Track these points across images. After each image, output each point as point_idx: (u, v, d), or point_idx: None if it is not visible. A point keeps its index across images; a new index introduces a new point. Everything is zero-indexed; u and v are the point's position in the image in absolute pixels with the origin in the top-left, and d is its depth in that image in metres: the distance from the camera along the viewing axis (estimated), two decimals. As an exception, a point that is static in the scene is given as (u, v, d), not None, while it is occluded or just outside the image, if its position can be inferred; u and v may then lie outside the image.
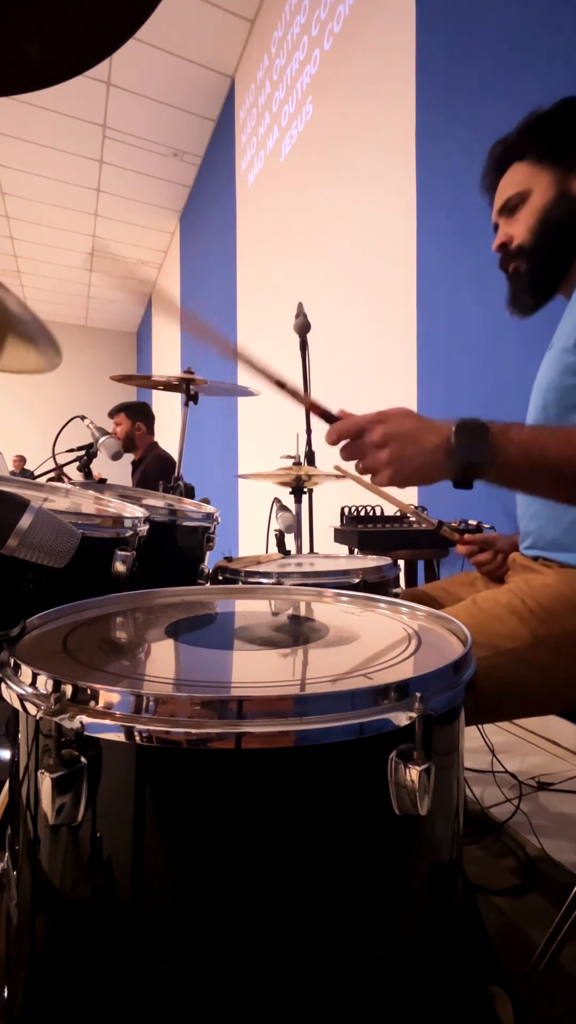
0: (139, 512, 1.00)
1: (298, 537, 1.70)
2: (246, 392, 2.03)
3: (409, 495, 2.33)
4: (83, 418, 1.91)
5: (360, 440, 0.69)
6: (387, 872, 0.45)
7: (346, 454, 0.71)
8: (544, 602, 0.83)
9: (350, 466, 0.76)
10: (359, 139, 2.91)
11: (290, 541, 1.53)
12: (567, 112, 0.94)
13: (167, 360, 7.58)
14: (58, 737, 0.41)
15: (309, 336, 2.03)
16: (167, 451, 3.25)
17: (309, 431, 2.07)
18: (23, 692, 0.46)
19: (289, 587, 0.96)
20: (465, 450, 0.66)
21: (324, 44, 3.23)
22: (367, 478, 0.73)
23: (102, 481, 2.35)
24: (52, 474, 2.04)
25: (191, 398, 1.98)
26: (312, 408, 0.75)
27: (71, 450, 2.00)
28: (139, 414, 3.24)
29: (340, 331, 3.08)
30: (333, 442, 0.71)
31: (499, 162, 1.00)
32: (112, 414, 3.23)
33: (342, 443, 0.71)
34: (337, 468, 0.98)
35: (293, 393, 0.75)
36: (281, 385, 0.74)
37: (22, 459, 7.77)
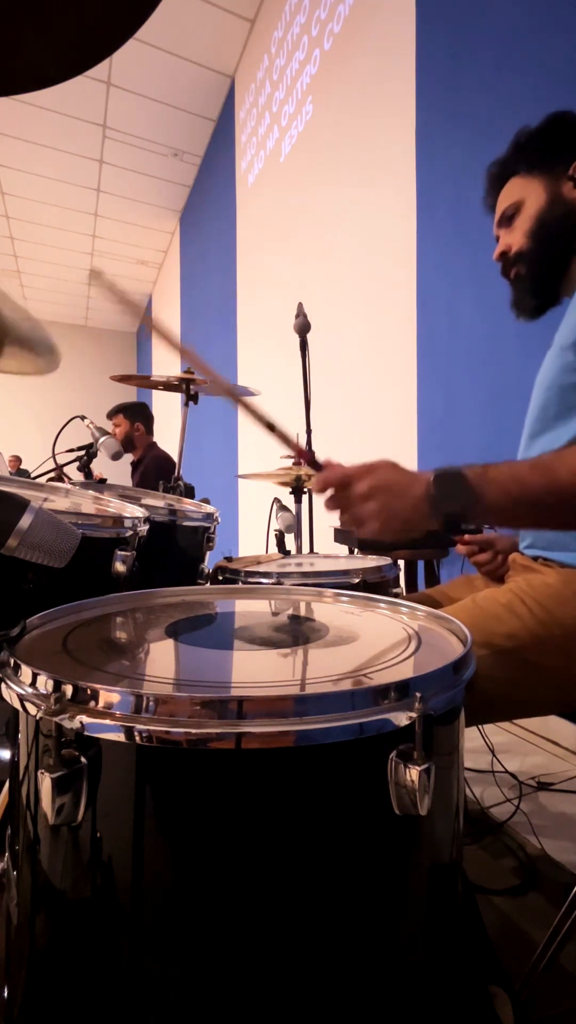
0: (139, 512, 1.00)
1: (298, 537, 1.70)
2: (246, 392, 2.03)
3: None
4: (83, 418, 1.92)
5: (346, 492, 0.70)
6: (387, 872, 0.45)
7: (331, 504, 0.72)
8: (544, 602, 0.83)
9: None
10: (359, 139, 2.91)
11: (290, 541, 1.53)
12: (553, 126, 0.98)
13: (167, 360, 7.58)
14: (58, 737, 0.41)
15: (309, 336, 2.03)
16: (166, 451, 3.25)
17: (309, 431, 2.07)
18: (23, 692, 0.46)
19: (289, 587, 0.96)
20: (445, 500, 0.68)
21: (324, 44, 3.23)
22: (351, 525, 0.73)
23: (102, 481, 2.35)
24: (52, 474, 2.04)
25: (191, 398, 1.98)
26: (300, 454, 0.77)
27: (71, 450, 2.00)
28: (138, 415, 3.24)
29: (340, 331, 3.08)
30: (320, 491, 0.72)
31: (496, 180, 1.04)
32: (111, 415, 3.23)
33: (328, 493, 0.72)
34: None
35: (283, 437, 0.76)
36: (271, 428, 0.75)
37: (17, 459, 7.75)
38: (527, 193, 0.99)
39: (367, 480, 0.69)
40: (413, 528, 0.70)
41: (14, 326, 0.61)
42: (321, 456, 0.76)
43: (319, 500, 0.73)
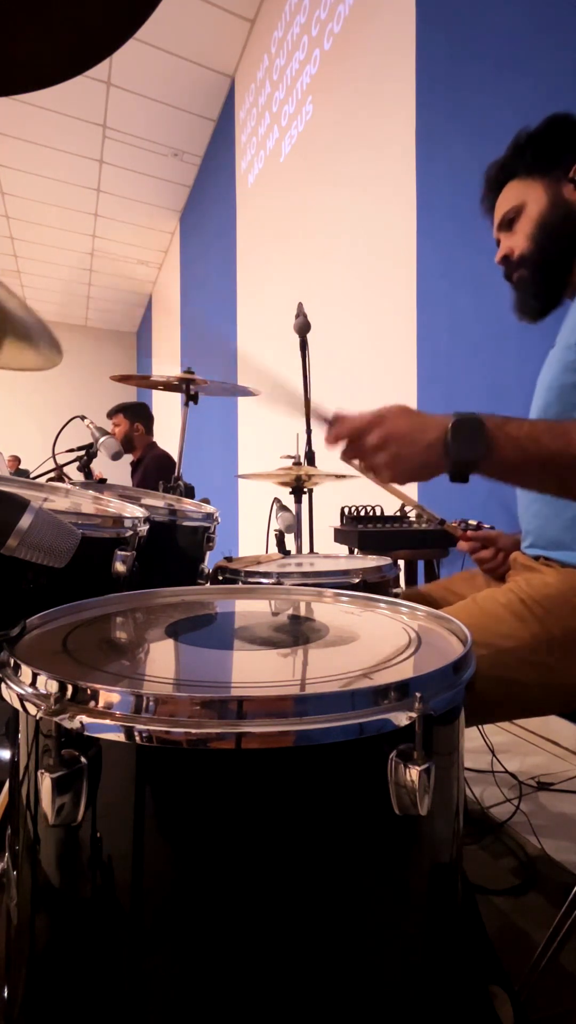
0: (139, 512, 1.00)
1: (298, 537, 1.70)
2: (246, 392, 2.03)
3: (408, 493, 2.33)
4: (83, 418, 1.92)
5: (358, 442, 0.70)
6: (387, 872, 0.45)
7: (346, 456, 0.72)
8: (544, 602, 0.83)
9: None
10: (359, 139, 2.91)
11: (290, 541, 1.53)
12: (553, 128, 0.98)
13: (167, 360, 7.58)
14: (58, 737, 0.41)
15: (309, 336, 2.03)
16: (166, 451, 3.25)
17: (309, 431, 2.07)
18: (23, 692, 0.46)
19: (289, 587, 0.96)
20: (461, 447, 0.68)
21: (324, 44, 3.23)
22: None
23: (102, 481, 2.35)
24: (52, 474, 2.04)
25: (191, 398, 1.98)
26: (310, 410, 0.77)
27: (71, 450, 2.00)
28: (137, 415, 3.23)
29: (340, 331, 3.08)
30: (332, 444, 0.72)
31: (494, 183, 1.04)
32: (110, 415, 3.22)
33: (341, 445, 0.72)
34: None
35: (291, 394, 0.76)
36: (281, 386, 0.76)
37: (16, 459, 7.75)
38: (528, 196, 0.98)
39: (378, 430, 0.69)
40: (426, 474, 0.70)
41: (14, 317, 0.61)
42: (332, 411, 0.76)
43: (319, 498, 0.73)
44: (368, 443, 0.69)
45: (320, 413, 0.76)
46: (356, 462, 0.73)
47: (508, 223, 1.02)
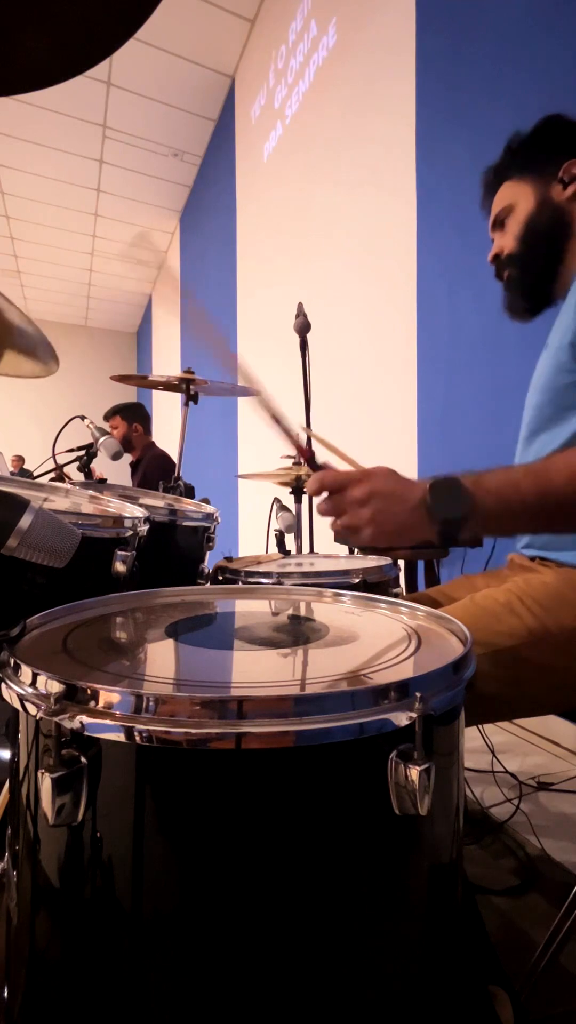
0: (139, 512, 1.00)
1: (298, 537, 1.70)
2: (246, 392, 2.03)
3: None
4: (83, 418, 1.92)
5: (341, 496, 0.69)
6: (387, 872, 0.45)
7: (325, 508, 0.70)
8: (543, 601, 0.83)
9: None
10: (359, 139, 2.91)
11: (290, 541, 1.53)
12: (544, 129, 1.00)
13: (167, 360, 7.58)
14: (58, 737, 0.41)
15: (309, 336, 2.03)
16: (164, 451, 3.24)
17: (308, 428, 2.07)
18: (23, 692, 0.46)
19: (289, 587, 0.96)
20: (442, 507, 0.66)
21: (324, 44, 3.23)
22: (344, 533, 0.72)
23: (102, 481, 2.35)
24: (52, 474, 2.04)
25: (191, 398, 1.98)
26: (301, 452, 0.76)
27: (71, 450, 2.00)
28: (135, 415, 3.23)
29: (340, 331, 3.08)
30: (315, 492, 0.71)
31: (490, 185, 1.06)
32: (107, 417, 3.21)
33: (323, 495, 0.71)
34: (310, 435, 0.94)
35: (287, 433, 0.76)
36: (278, 420, 0.75)
37: (20, 459, 7.76)
38: (518, 197, 1.00)
39: (364, 485, 0.68)
40: (408, 537, 0.68)
41: (16, 328, 0.61)
42: (321, 459, 0.76)
43: (316, 501, 0.72)
44: (352, 496, 0.68)
45: (308, 454, 0.75)
46: (333, 520, 0.71)
47: (500, 223, 1.04)
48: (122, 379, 2.09)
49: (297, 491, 1.71)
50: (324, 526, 2.10)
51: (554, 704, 0.86)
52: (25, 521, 0.55)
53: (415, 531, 0.68)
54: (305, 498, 1.81)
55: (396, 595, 1.06)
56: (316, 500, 0.72)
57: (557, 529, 0.76)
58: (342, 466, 0.75)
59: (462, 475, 0.68)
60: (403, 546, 0.70)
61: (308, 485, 0.72)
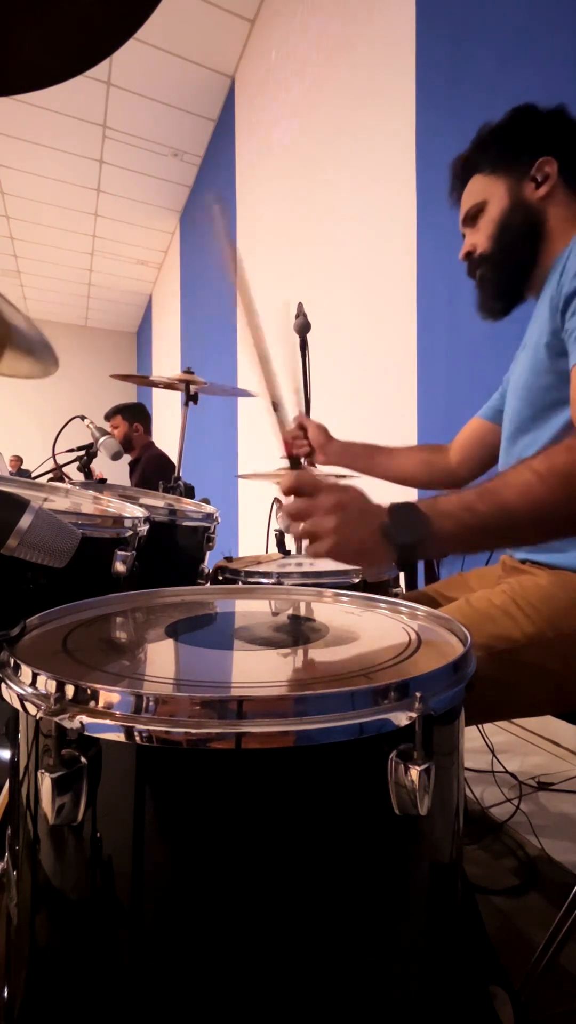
0: (139, 512, 1.00)
1: (298, 537, 1.69)
2: (245, 393, 2.03)
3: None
4: (83, 418, 1.92)
5: (312, 499, 0.69)
6: (387, 872, 0.45)
7: (292, 509, 0.70)
8: (537, 603, 0.84)
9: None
10: (359, 138, 2.91)
11: (290, 541, 1.53)
12: (516, 122, 0.97)
13: (167, 360, 7.58)
14: (58, 737, 0.41)
15: (309, 336, 2.03)
16: (163, 451, 3.25)
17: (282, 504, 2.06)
18: (23, 692, 0.46)
19: (289, 587, 0.96)
20: (400, 532, 0.67)
21: (324, 43, 3.23)
22: (305, 542, 0.71)
23: (102, 481, 2.35)
24: (52, 474, 2.04)
25: (191, 398, 1.98)
26: (286, 447, 0.76)
27: (71, 450, 2.00)
28: (136, 415, 3.23)
29: (340, 331, 3.08)
30: (287, 491, 0.71)
31: (460, 176, 1.04)
32: (108, 417, 3.22)
33: (291, 497, 0.71)
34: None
35: (282, 423, 0.76)
36: (276, 407, 0.75)
37: (19, 459, 7.76)
38: (489, 193, 0.98)
39: (335, 495, 0.68)
40: (365, 558, 0.68)
41: (17, 329, 0.61)
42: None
43: (285, 501, 0.72)
44: (321, 503, 0.68)
45: (291, 450, 0.74)
46: (295, 523, 0.70)
47: (471, 219, 1.02)
48: (123, 377, 2.09)
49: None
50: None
51: (549, 704, 0.86)
52: (25, 521, 0.55)
53: (373, 553, 0.68)
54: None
55: (396, 595, 1.06)
56: (285, 500, 0.72)
57: (514, 544, 0.76)
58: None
59: (419, 500, 0.69)
60: (356, 567, 0.70)
61: (282, 481, 0.72)
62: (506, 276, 0.99)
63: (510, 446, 0.99)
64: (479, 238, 1.00)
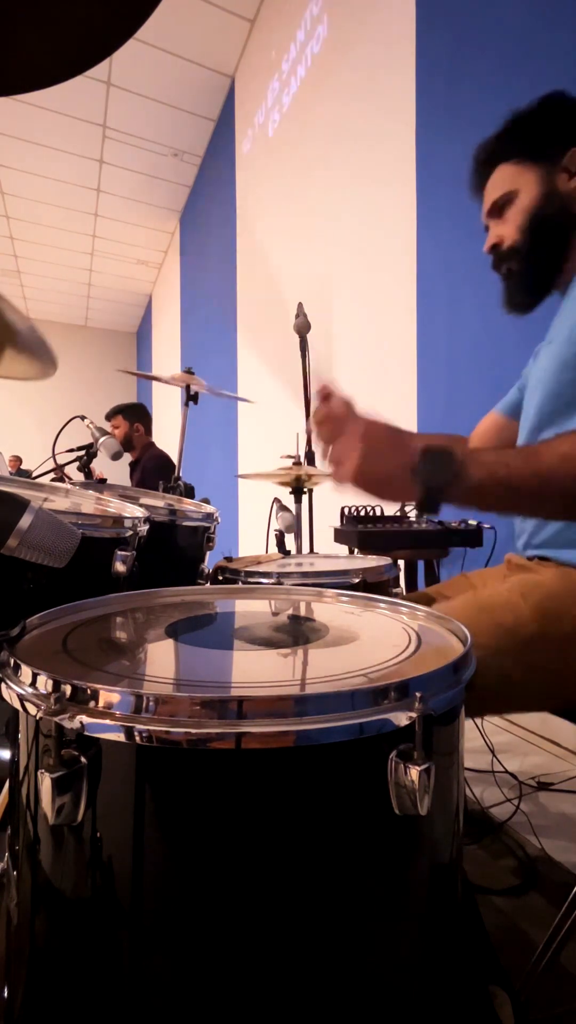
0: (139, 512, 1.00)
1: (298, 537, 1.70)
2: (244, 399, 2.03)
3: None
4: (83, 418, 1.92)
5: (341, 425, 0.69)
6: (387, 872, 0.45)
7: (324, 431, 0.70)
8: (541, 600, 0.83)
9: None
10: (359, 138, 2.91)
11: (290, 541, 1.53)
12: (547, 110, 0.94)
13: (167, 360, 7.58)
14: (58, 737, 0.41)
15: (309, 336, 2.03)
16: (163, 451, 3.25)
17: (309, 431, 2.07)
18: (23, 692, 0.46)
19: (289, 587, 0.96)
20: (429, 475, 0.66)
21: (324, 41, 3.23)
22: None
23: (102, 481, 2.35)
24: (52, 474, 2.04)
25: (191, 398, 1.98)
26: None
27: (71, 450, 2.01)
28: (136, 415, 3.23)
29: (340, 331, 3.09)
30: (319, 419, 0.71)
31: (484, 164, 1.00)
32: (109, 417, 3.22)
33: (322, 421, 0.71)
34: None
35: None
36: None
37: (18, 459, 7.76)
38: (520, 183, 0.94)
39: (364, 424, 0.67)
40: (388, 490, 0.68)
41: (16, 331, 0.61)
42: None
43: (319, 498, 0.72)
44: (351, 428, 0.67)
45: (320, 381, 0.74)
46: (326, 447, 0.71)
47: (499, 209, 0.98)
48: (128, 372, 2.09)
49: (297, 491, 1.71)
50: (324, 526, 2.10)
51: (550, 701, 0.86)
52: (25, 521, 0.55)
53: (397, 487, 0.67)
54: (305, 498, 1.81)
55: (396, 595, 1.06)
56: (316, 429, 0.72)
57: (542, 510, 0.76)
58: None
59: (456, 444, 0.68)
60: (380, 498, 0.69)
61: (315, 411, 0.72)
62: (536, 269, 0.96)
63: (532, 440, 0.98)
64: (507, 230, 0.97)
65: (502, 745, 1.80)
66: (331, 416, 0.70)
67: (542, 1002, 0.85)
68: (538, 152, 0.93)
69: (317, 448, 0.70)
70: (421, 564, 2.00)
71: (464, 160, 1.04)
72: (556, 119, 0.93)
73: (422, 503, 0.67)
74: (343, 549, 1.97)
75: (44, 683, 0.46)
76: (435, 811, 0.45)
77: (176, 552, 1.26)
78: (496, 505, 0.73)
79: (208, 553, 1.31)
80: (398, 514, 1.93)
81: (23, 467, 7.52)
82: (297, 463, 1.67)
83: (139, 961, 0.43)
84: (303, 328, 1.99)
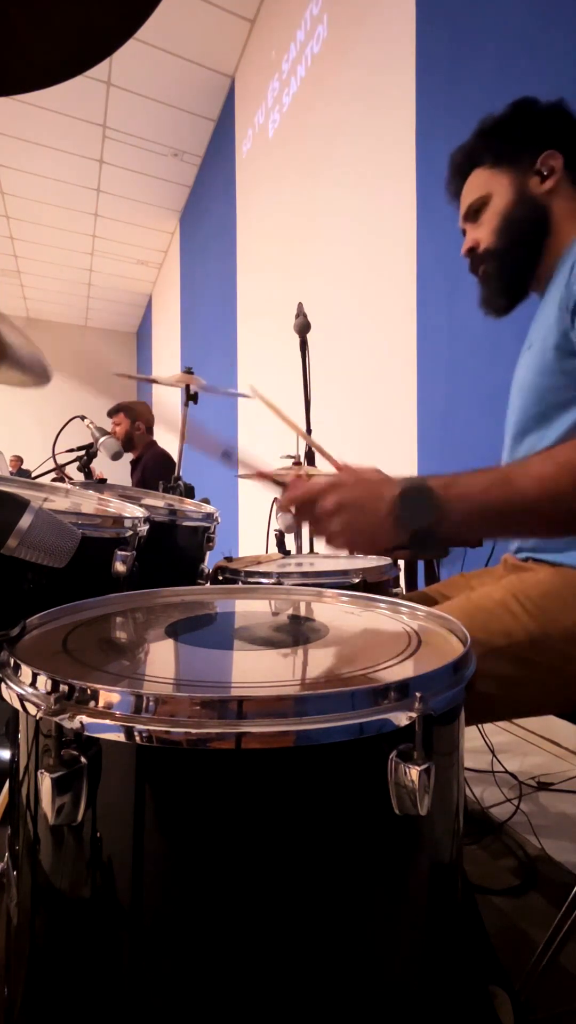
0: (139, 512, 1.00)
1: (298, 537, 1.70)
2: (243, 395, 2.03)
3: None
4: (83, 418, 1.92)
5: (312, 506, 0.69)
6: (387, 872, 0.45)
7: (299, 517, 0.71)
8: (538, 600, 0.83)
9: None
10: (360, 138, 2.92)
11: (290, 541, 1.53)
12: (519, 115, 0.96)
13: (167, 360, 7.58)
14: (58, 737, 0.41)
15: (309, 336, 2.03)
16: (165, 450, 3.25)
17: (309, 431, 2.07)
18: (23, 692, 0.46)
19: (289, 587, 0.96)
20: (411, 517, 0.66)
21: (324, 41, 3.23)
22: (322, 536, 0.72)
23: (102, 481, 2.35)
24: (52, 474, 2.04)
25: (191, 398, 1.98)
26: (261, 476, 0.77)
27: (71, 450, 2.01)
28: (138, 414, 3.23)
29: (340, 331, 3.09)
30: (285, 509, 0.72)
31: (460, 169, 1.02)
32: (111, 414, 3.22)
33: (290, 506, 0.71)
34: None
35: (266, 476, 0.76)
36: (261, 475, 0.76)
37: (19, 459, 7.77)
38: (493, 187, 0.96)
39: (332, 497, 0.67)
40: (381, 543, 0.68)
41: (12, 348, 0.61)
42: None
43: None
44: (322, 509, 0.68)
45: (272, 477, 0.75)
46: (308, 526, 0.72)
47: (474, 213, 1.00)
48: (125, 376, 2.09)
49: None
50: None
51: (551, 704, 0.85)
52: (25, 521, 0.55)
53: (386, 539, 0.68)
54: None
55: (396, 595, 1.06)
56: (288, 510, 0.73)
57: (529, 533, 0.76)
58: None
59: (432, 479, 0.68)
60: (375, 551, 0.70)
61: (279, 502, 0.73)
62: (511, 271, 0.98)
63: (515, 445, 0.98)
64: (482, 233, 0.99)
65: (502, 745, 1.80)
66: (295, 499, 0.70)
67: (542, 1002, 0.85)
68: (511, 157, 0.95)
69: (288, 527, 0.71)
70: (421, 564, 2.00)
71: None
72: (527, 124, 0.95)
73: (413, 546, 0.68)
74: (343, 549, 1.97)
75: (44, 683, 0.46)
76: (435, 811, 0.45)
77: (176, 552, 1.26)
78: (483, 533, 0.73)
79: (208, 553, 1.31)
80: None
81: (24, 467, 7.52)
82: (297, 463, 1.67)
83: (139, 961, 0.43)
84: (303, 328, 1.99)
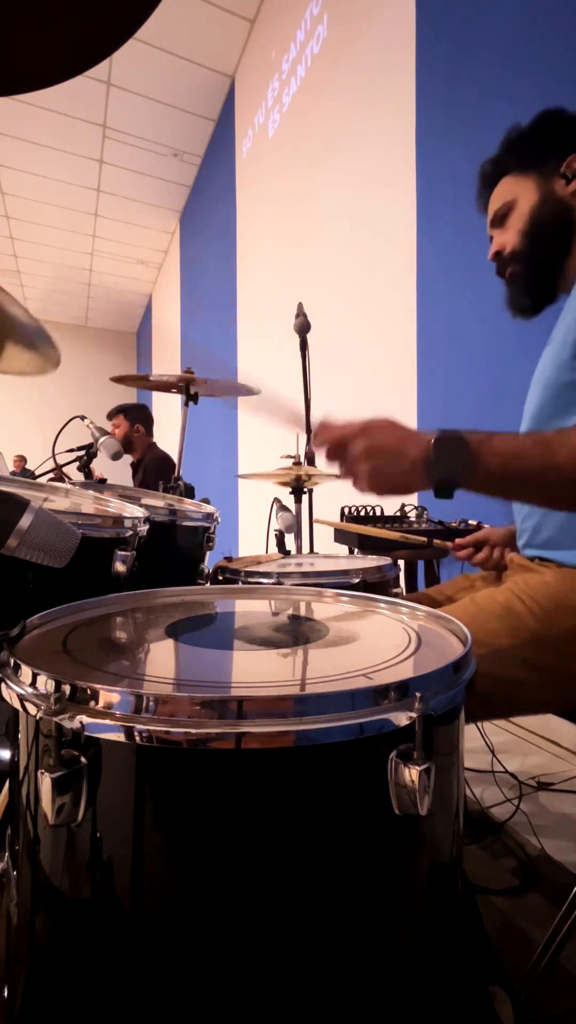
0: (139, 512, 1.00)
1: (298, 537, 1.70)
2: (247, 391, 2.03)
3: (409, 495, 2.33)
4: (83, 418, 1.91)
5: (342, 450, 0.70)
6: (387, 872, 0.45)
7: (329, 458, 0.72)
8: (542, 601, 0.83)
9: None
10: (360, 139, 2.92)
11: (290, 541, 1.53)
12: (544, 124, 0.98)
13: (167, 361, 7.58)
14: (58, 737, 0.41)
15: (309, 336, 2.03)
16: (165, 452, 3.25)
17: (309, 431, 2.07)
18: (23, 692, 0.46)
19: (289, 587, 0.96)
20: (443, 465, 0.67)
21: (324, 43, 3.23)
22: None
23: (102, 481, 2.35)
24: (52, 474, 2.04)
25: (191, 398, 1.98)
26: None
27: (71, 450, 2.00)
28: (137, 416, 3.23)
29: (340, 331, 3.08)
30: (317, 448, 0.72)
31: (488, 180, 1.04)
32: (111, 416, 3.22)
33: (322, 448, 0.72)
34: None
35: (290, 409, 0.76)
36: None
37: (23, 459, 7.77)
38: (519, 192, 0.98)
39: (362, 441, 0.68)
40: (406, 490, 0.70)
41: (17, 325, 0.61)
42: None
43: (319, 498, 0.73)
44: (351, 453, 0.69)
45: (302, 421, 0.76)
46: (338, 467, 0.73)
47: (500, 219, 1.02)
48: (120, 380, 2.09)
49: (297, 491, 1.71)
50: (324, 526, 2.09)
51: (552, 704, 0.86)
52: (25, 521, 0.55)
53: (413, 485, 0.69)
54: (305, 498, 1.81)
55: (396, 595, 1.06)
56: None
57: (554, 501, 0.76)
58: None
59: (469, 433, 0.68)
60: (402, 495, 0.71)
61: (312, 439, 0.73)
62: (537, 271, 0.99)
63: None
64: (508, 236, 1.01)
65: (502, 745, 1.80)
66: (328, 440, 0.71)
67: (542, 1002, 0.85)
68: (536, 162, 0.97)
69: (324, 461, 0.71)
70: (421, 564, 2.00)
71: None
72: (553, 131, 0.97)
73: (438, 491, 0.68)
74: (343, 549, 1.97)
75: (44, 683, 0.46)
76: (435, 811, 0.45)
77: (176, 552, 1.26)
78: (509, 494, 0.73)
79: (208, 553, 1.31)
80: (398, 514, 1.93)
81: (26, 467, 7.52)
82: (297, 463, 1.67)
83: (139, 961, 0.43)
84: (303, 328, 1.99)
